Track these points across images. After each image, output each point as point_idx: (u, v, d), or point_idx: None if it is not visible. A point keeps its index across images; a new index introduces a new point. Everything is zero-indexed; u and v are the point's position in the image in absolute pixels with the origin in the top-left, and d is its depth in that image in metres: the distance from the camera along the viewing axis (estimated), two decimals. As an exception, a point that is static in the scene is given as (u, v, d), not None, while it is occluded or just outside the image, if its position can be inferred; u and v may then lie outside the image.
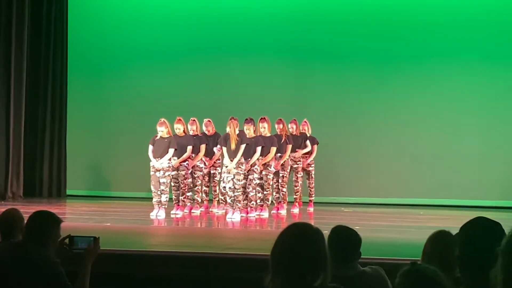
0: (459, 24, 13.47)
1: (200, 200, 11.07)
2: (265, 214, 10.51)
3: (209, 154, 10.99)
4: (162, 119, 10.62)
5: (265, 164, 10.49)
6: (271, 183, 10.64)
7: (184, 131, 10.82)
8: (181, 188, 10.68)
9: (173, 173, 10.55)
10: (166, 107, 14.01)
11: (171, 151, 10.38)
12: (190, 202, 10.85)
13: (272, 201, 10.90)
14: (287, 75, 13.95)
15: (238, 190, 10.20)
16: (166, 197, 10.39)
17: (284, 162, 10.88)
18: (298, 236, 2.78)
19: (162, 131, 10.48)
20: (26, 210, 4.63)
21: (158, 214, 10.22)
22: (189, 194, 10.85)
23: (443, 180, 13.31)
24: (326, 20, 13.89)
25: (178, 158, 10.52)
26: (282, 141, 10.83)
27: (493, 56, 13.33)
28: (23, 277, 3.75)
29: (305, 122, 11.62)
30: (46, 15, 13.97)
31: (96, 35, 14.45)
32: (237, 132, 10.45)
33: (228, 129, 10.46)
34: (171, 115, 13.62)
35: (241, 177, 10.21)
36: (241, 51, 14.04)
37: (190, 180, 10.83)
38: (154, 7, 14.44)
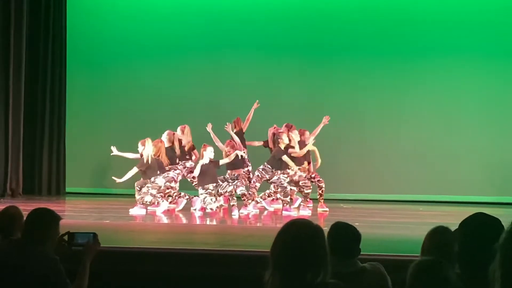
0: (460, 20, 13.47)
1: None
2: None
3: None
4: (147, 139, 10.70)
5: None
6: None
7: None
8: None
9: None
10: (167, 104, 14.03)
11: (134, 169, 10.59)
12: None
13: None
14: (286, 71, 13.93)
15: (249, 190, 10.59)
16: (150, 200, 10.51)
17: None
18: (298, 233, 2.78)
19: (139, 149, 10.61)
20: (26, 207, 4.63)
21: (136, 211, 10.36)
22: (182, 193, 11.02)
23: (443, 176, 13.32)
24: (325, 16, 13.86)
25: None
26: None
27: (493, 52, 13.33)
28: (22, 274, 3.75)
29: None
30: (45, 12, 13.95)
31: (95, 32, 14.42)
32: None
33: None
34: (172, 112, 13.67)
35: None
36: (242, 48, 14.01)
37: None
38: (155, 2, 14.42)
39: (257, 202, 10.86)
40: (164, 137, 10.98)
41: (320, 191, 10.92)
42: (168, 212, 10.69)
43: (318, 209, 10.79)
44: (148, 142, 10.58)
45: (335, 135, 11.21)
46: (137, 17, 14.40)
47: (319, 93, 13.86)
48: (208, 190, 10.44)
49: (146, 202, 10.35)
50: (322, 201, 10.92)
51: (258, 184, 10.72)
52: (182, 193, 10.98)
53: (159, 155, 10.58)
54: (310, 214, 10.34)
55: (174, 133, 11.12)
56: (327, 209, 10.80)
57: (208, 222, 9.78)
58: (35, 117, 13.84)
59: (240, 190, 10.49)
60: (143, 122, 13.55)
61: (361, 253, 3.85)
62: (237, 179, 10.68)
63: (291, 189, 10.61)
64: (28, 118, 13.54)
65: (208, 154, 10.52)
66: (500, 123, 13.35)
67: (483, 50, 13.32)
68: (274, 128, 11.26)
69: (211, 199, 10.39)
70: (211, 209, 10.36)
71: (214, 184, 10.47)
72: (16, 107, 13.11)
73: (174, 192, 10.88)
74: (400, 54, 13.62)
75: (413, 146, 13.46)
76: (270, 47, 13.92)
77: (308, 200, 10.80)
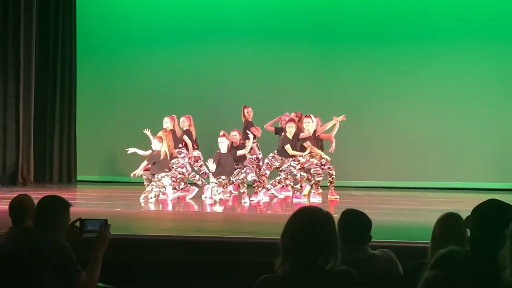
0: (466, 5, 13.44)
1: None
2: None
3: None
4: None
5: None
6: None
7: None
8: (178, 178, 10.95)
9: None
10: (176, 91, 14.04)
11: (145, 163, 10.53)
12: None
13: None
14: (294, 59, 13.90)
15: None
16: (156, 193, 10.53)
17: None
18: (308, 220, 2.78)
19: (153, 146, 10.57)
20: (37, 195, 4.64)
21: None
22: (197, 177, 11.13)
23: (454, 162, 13.29)
24: (332, 3, 13.84)
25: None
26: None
27: (503, 36, 13.27)
28: (34, 262, 3.77)
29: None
30: (54, 2, 13.98)
31: (104, 21, 14.43)
32: None
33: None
34: (181, 100, 13.68)
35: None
36: (251, 35, 14.00)
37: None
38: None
39: (268, 190, 10.88)
40: (168, 123, 11.04)
41: (330, 179, 10.90)
42: (178, 200, 10.72)
43: (329, 196, 10.78)
44: (164, 138, 10.59)
45: (346, 122, 11.17)
46: (147, 5, 14.40)
47: (328, 81, 13.83)
48: (220, 179, 10.43)
49: (151, 198, 10.35)
50: (333, 188, 10.91)
51: (268, 172, 10.73)
52: (197, 177, 11.06)
53: (169, 145, 10.63)
54: (320, 202, 10.34)
55: (173, 117, 11.17)
56: (338, 197, 10.80)
57: (218, 210, 9.79)
58: (46, 105, 13.89)
59: (251, 176, 10.50)
60: (154, 110, 13.55)
61: (372, 240, 3.85)
62: (245, 166, 10.70)
63: (301, 175, 10.60)
64: (38, 106, 13.58)
65: (220, 144, 10.50)
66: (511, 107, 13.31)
67: (493, 35, 13.27)
68: (285, 115, 11.27)
69: (217, 190, 10.33)
70: (215, 200, 10.28)
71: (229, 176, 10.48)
72: (27, 96, 13.15)
73: (187, 174, 10.98)
74: (411, 40, 13.57)
75: (424, 132, 13.43)
76: (277, 33, 13.89)
77: (318, 187, 10.78)
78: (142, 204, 10.01)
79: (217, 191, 10.33)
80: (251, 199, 10.34)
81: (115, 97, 14.42)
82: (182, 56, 14.23)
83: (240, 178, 10.46)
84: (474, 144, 13.28)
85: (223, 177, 10.44)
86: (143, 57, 14.28)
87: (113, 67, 14.44)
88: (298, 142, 10.66)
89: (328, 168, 10.91)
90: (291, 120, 10.79)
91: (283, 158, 10.63)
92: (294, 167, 10.58)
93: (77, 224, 4.11)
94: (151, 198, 10.30)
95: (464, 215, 3.08)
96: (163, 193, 10.51)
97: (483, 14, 13.32)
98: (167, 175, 10.47)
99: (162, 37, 14.23)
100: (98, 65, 14.43)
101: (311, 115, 10.75)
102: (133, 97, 14.29)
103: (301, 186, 10.72)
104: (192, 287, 5.44)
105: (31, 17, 13.17)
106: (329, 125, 11.07)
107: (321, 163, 10.92)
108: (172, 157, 10.77)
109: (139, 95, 14.26)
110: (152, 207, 9.86)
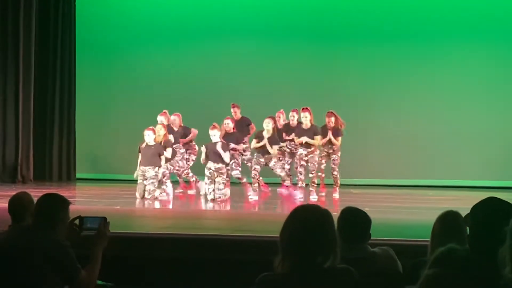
0: (463, 6, 13.44)
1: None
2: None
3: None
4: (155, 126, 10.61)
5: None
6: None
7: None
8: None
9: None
10: (175, 89, 14.03)
11: (163, 158, 10.39)
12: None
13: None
14: (293, 57, 13.89)
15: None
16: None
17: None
18: (307, 218, 2.78)
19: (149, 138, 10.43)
20: (36, 193, 4.64)
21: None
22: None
23: (453, 160, 13.29)
24: (323, 2, 13.85)
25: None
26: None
27: (497, 36, 13.27)
28: (33, 260, 3.77)
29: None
30: (54, 2, 13.97)
31: (104, 21, 14.42)
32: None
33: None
34: (180, 97, 13.67)
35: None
36: (249, 34, 14.01)
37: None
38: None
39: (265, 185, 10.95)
40: (163, 120, 11.00)
41: (333, 177, 10.94)
42: (178, 198, 10.72)
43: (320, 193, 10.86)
44: (158, 131, 10.56)
45: (345, 121, 11.17)
46: (146, 4, 14.39)
47: (327, 79, 13.83)
48: (210, 171, 10.25)
49: (158, 196, 10.29)
50: (324, 185, 11.05)
51: (257, 166, 10.56)
52: (191, 174, 11.06)
53: (166, 139, 10.60)
54: (317, 200, 10.33)
55: (165, 112, 11.22)
56: (324, 194, 10.89)
57: (218, 208, 9.79)
58: (45, 104, 13.89)
59: (235, 174, 10.46)
60: (152, 109, 13.53)
61: (371, 238, 3.85)
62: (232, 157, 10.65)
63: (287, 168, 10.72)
64: (38, 105, 13.59)
65: (212, 137, 10.38)
66: (509, 106, 13.30)
67: (494, 34, 13.26)
68: (280, 112, 11.33)
69: (208, 189, 10.22)
70: (209, 199, 10.19)
71: (217, 166, 10.29)
72: (26, 94, 13.15)
73: (182, 170, 11.00)
74: (410, 39, 13.56)
75: (423, 131, 13.43)
76: (277, 33, 13.88)
77: (314, 185, 10.70)
78: (156, 203, 9.96)
79: (208, 190, 10.23)
80: (250, 197, 10.31)
81: (115, 96, 14.41)
82: (181, 55, 14.22)
83: (220, 187, 10.32)
84: (474, 142, 13.28)
85: (212, 168, 10.26)
86: (143, 56, 14.27)
87: (113, 67, 14.43)
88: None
89: (333, 169, 10.93)
90: (269, 117, 10.75)
91: (265, 155, 10.54)
92: (283, 164, 10.64)
93: (77, 222, 4.10)
94: (158, 196, 10.25)
95: (463, 213, 3.08)
96: (164, 191, 10.50)
97: (483, 14, 13.30)
98: (162, 168, 10.43)
99: (161, 36, 14.22)
100: (98, 64, 14.42)
101: (308, 109, 10.76)
102: (133, 96, 14.28)
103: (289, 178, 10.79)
104: (192, 285, 5.44)
105: (31, 17, 13.15)
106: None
107: (333, 161, 10.94)
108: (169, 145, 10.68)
109: (138, 94, 14.26)
110: (151, 205, 9.86)
